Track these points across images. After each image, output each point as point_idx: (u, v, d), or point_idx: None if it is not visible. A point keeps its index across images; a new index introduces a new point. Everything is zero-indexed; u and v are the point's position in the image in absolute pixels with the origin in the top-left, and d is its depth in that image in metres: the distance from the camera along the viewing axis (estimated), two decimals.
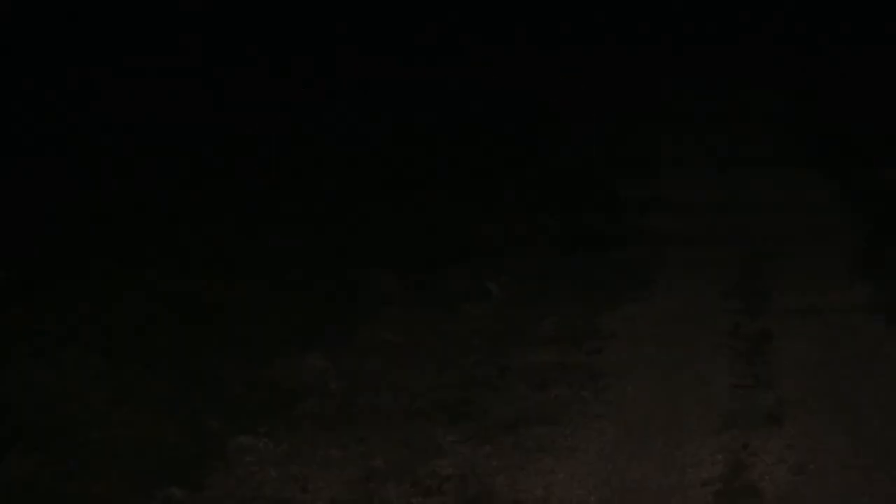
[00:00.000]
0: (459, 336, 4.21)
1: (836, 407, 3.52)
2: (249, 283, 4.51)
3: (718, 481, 2.94)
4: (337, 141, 8.03)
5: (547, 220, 6.02)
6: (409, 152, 7.59)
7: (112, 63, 10.32)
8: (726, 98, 11.14)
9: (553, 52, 12.87)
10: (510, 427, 3.33)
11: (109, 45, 10.84)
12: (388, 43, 12.61)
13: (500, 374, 3.76)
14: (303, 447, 3.12)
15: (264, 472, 2.96)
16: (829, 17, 13.50)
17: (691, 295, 4.80)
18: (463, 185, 6.68)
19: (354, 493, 2.88)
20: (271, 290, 4.49)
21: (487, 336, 4.22)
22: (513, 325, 4.37)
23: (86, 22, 11.18)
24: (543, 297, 4.68)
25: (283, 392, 3.53)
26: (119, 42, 11.02)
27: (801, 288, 4.82)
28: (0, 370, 3.51)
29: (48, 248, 5.13)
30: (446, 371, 3.79)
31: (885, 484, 2.87)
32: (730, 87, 11.73)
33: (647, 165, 7.75)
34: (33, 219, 5.83)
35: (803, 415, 3.43)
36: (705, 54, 13.18)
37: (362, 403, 3.47)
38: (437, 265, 5.08)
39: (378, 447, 3.11)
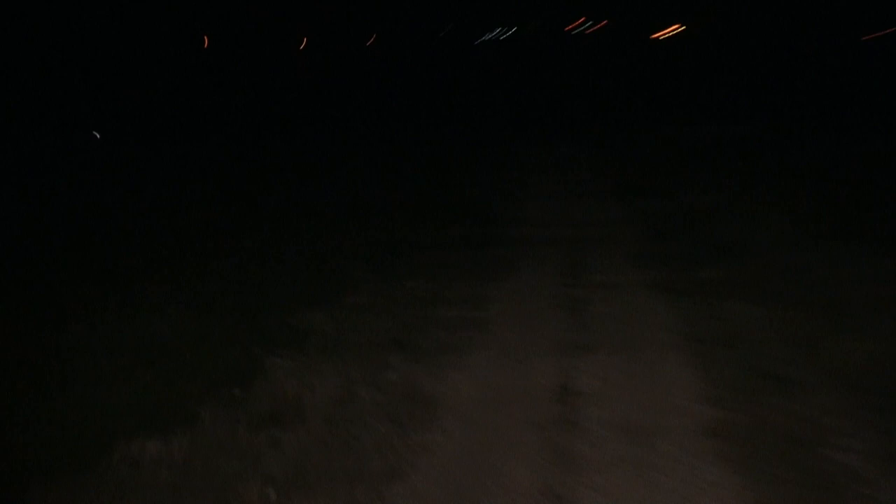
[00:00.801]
0: (402, 301, 5.88)
1: (626, 341, 4.97)
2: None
3: (556, 385, 4.32)
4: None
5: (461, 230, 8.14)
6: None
7: None
8: None
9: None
10: (432, 353, 4.86)
11: None
12: None
13: (427, 324, 5.36)
14: (309, 365, 4.71)
15: (288, 380, 4.51)
16: None
17: (541, 276, 6.43)
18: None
19: (340, 391, 4.34)
20: (290, 272, 6.64)
21: (420, 301, 5.87)
22: (436, 294, 6.05)
23: None
24: (455, 278, 6.43)
25: (299, 333, 5.19)
26: None
27: (606, 271, 6.45)
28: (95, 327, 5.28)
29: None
30: (394, 321, 5.43)
31: (660, 388, 4.23)
32: None
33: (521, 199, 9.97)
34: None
35: (607, 347, 4.84)
36: None
37: (345, 339, 5.10)
38: (396, 258, 7.06)
39: (355, 367, 4.67)
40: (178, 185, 11.66)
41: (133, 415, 4.09)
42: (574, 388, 4.31)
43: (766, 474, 3.38)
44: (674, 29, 33.40)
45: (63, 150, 15.73)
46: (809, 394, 4.08)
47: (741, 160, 11.73)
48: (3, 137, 15.80)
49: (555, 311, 5.65)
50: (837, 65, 21.33)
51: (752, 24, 28.95)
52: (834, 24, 25.38)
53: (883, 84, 17.15)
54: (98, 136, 17.86)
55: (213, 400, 4.25)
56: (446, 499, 3.31)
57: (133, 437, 3.87)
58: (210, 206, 9.64)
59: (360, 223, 8.49)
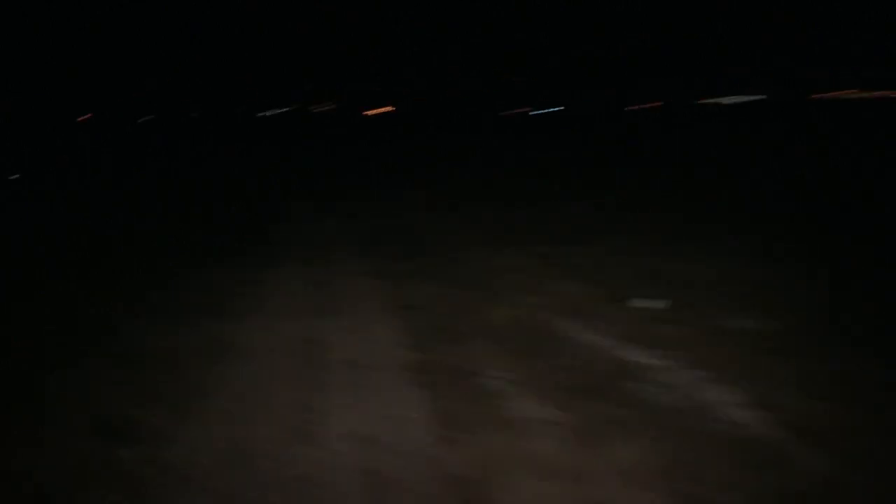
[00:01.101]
0: (207, 283, 8.09)
1: (353, 308, 6.88)
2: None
3: (307, 337, 6.08)
4: None
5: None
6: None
7: None
8: None
9: None
10: (229, 315, 7.08)
11: None
12: None
13: (224, 297, 7.74)
14: (152, 324, 6.96)
15: (140, 335, 6.69)
16: None
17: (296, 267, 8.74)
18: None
19: (171, 341, 6.49)
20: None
21: (218, 282, 8.32)
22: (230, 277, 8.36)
23: None
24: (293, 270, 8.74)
25: (146, 305, 7.52)
26: None
27: (340, 263, 8.81)
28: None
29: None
30: (205, 295, 7.78)
31: (376, 338, 5.83)
32: None
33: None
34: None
35: (340, 312, 6.76)
36: None
37: (173, 307, 7.46)
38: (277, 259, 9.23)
39: (180, 324, 6.90)
40: None
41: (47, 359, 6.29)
42: (318, 339, 6.01)
43: (442, 394, 4.74)
44: (384, 109, 47.75)
45: None
46: (470, 342, 5.65)
47: (442, 195, 14.52)
48: None
49: (307, 288, 7.82)
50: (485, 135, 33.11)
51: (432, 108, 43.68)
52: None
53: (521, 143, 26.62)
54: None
55: (93, 351, 6.38)
56: (238, 410, 4.97)
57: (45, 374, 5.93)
58: None
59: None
